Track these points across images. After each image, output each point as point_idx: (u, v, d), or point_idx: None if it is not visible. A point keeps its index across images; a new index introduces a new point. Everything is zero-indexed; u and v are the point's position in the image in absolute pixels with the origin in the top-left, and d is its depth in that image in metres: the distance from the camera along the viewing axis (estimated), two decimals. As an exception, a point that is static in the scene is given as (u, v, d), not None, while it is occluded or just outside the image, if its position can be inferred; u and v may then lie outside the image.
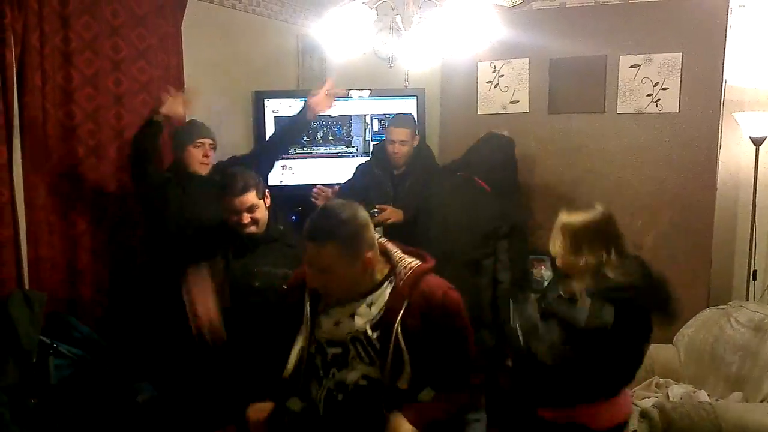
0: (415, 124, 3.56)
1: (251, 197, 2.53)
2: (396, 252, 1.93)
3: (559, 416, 2.15)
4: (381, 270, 1.89)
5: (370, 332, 1.83)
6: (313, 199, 3.39)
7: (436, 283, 1.90)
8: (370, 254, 1.82)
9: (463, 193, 3.25)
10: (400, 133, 3.44)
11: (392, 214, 3.38)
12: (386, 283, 1.88)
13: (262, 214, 2.58)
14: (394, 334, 1.80)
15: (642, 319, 2.07)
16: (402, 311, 1.81)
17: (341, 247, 1.77)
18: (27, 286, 2.71)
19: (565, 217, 2.17)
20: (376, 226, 3.09)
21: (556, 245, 2.18)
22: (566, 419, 2.13)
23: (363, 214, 1.84)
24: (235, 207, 2.52)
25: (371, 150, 3.79)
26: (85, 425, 2.48)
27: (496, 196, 3.22)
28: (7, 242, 2.61)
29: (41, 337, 2.48)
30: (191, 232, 2.72)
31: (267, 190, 2.65)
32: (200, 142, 3.01)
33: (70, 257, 2.93)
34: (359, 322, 1.84)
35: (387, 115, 4.07)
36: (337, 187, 3.54)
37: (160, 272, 2.80)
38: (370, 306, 1.85)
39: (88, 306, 2.98)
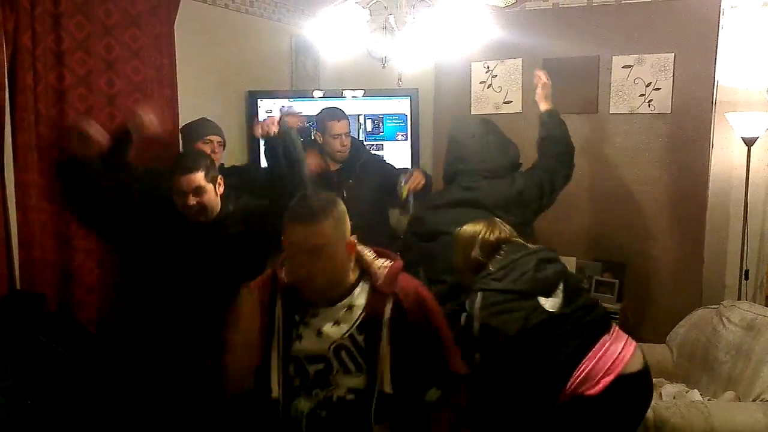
0: None
1: (198, 178, 2.46)
2: (367, 253, 1.93)
3: None
4: (354, 270, 1.88)
5: (357, 334, 1.81)
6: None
7: (409, 279, 1.93)
8: (353, 239, 1.83)
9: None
10: (345, 125, 3.38)
11: (420, 175, 3.30)
12: (361, 284, 1.87)
13: (210, 199, 2.51)
14: (385, 331, 1.79)
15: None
16: (387, 308, 1.81)
17: (332, 224, 1.76)
18: (19, 287, 2.69)
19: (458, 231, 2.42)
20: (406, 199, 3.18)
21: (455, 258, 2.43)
22: None
23: (342, 204, 1.86)
24: (180, 187, 2.46)
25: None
26: (80, 424, 2.47)
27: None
28: (-1, 243, 2.60)
29: (39, 337, 2.47)
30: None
31: (221, 177, 2.58)
32: (209, 140, 3.03)
33: (63, 258, 2.91)
34: (344, 326, 1.81)
35: (380, 116, 4.07)
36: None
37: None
38: (350, 309, 1.83)
39: (80, 306, 2.97)
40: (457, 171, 2.94)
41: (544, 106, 3.04)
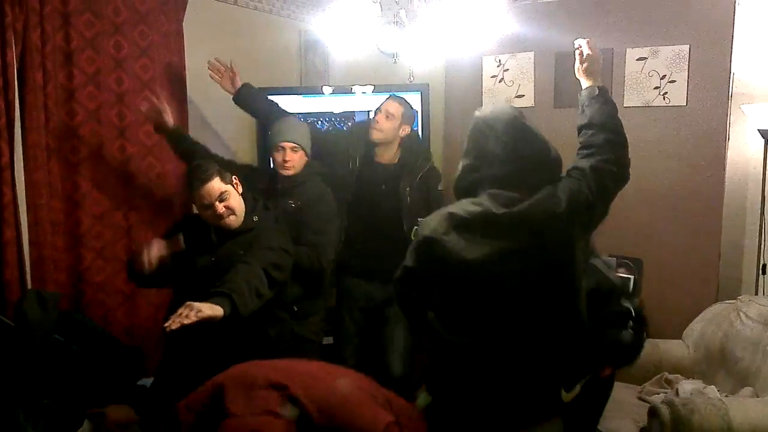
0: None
1: (216, 184, 2.42)
2: None
3: None
4: None
5: None
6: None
7: None
8: None
9: None
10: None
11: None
12: None
13: (236, 201, 2.47)
14: None
15: None
16: None
17: None
18: (30, 287, 2.69)
19: None
20: None
21: None
22: None
23: None
24: (204, 199, 2.43)
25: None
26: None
27: None
28: (9, 242, 2.60)
29: (55, 336, 2.46)
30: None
31: (235, 177, 2.53)
32: (281, 146, 2.86)
33: (73, 256, 2.92)
34: None
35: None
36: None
37: None
38: None
39: (90, 305, 2.97)
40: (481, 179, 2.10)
41: (585, 82, 2.29)
